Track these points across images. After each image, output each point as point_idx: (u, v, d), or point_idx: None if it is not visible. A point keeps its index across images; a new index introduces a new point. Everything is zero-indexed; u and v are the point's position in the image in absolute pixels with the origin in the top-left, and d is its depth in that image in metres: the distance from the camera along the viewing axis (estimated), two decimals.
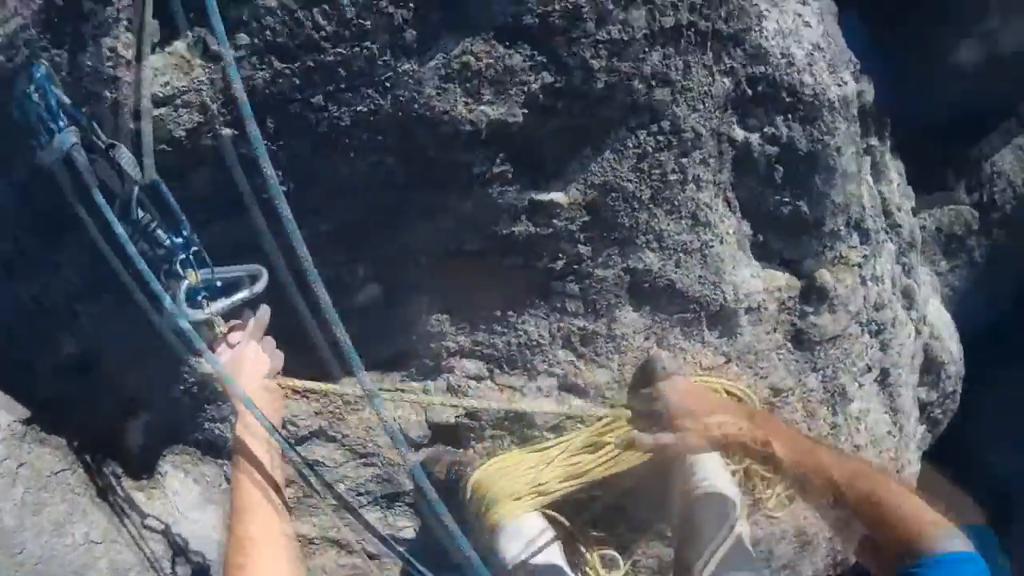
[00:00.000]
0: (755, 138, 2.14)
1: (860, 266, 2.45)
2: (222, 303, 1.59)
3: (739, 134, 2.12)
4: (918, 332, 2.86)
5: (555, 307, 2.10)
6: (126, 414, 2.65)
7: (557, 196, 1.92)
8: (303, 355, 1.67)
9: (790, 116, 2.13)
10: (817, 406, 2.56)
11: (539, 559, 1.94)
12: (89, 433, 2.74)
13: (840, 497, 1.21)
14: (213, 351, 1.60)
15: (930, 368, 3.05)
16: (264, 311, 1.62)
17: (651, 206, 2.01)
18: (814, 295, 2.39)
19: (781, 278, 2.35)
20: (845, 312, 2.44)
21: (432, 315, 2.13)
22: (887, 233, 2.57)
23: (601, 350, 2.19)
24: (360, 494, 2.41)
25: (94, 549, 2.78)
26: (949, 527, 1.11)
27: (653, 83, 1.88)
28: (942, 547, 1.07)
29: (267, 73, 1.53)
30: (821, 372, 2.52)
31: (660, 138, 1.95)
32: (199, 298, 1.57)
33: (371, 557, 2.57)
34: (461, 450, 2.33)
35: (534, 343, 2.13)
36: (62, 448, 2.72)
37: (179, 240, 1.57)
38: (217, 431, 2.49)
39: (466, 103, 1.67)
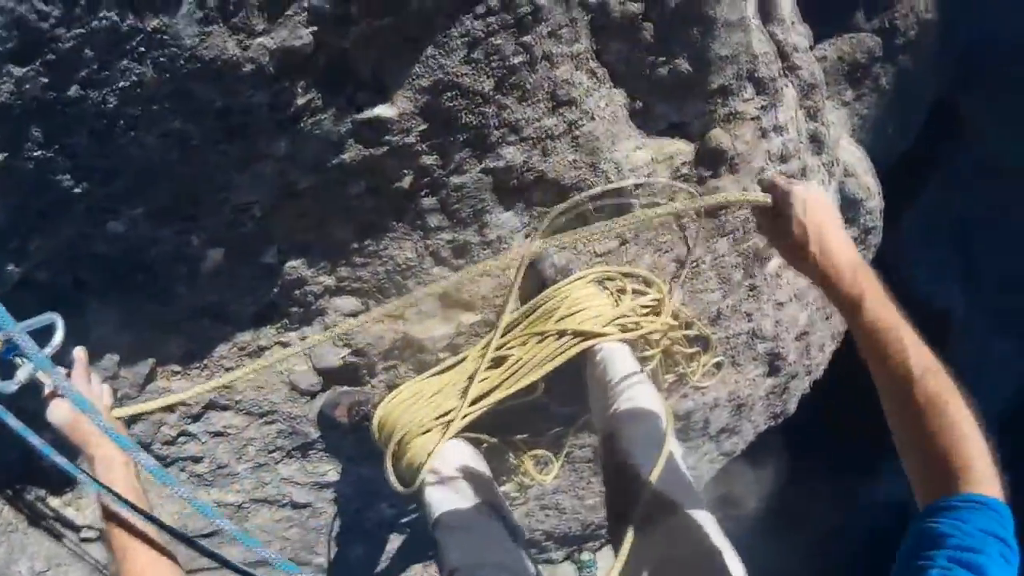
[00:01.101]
0: None
1: (759, 119, 2.21)
2: (30, 369, 1.36)
3: None
4: (831, 175, 2.64)
5: (415, 225, 1.89)
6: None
7: (383, 110, 1.66)
8: None
9: None
10: (731, 271, 2.38)
11: (472, 503, 1.83)
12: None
13: (907, 383, 1.04)
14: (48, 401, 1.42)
15: (848, 207, 2.85)
16: (81, 351, 1.45)
17: (498, 96, 1.74)
18: (709, 157, 2.17)
19: (671, 145, 2.13)
20: (748, 169, 2.23)
21: (286, 263, 1.91)
22: (785, 78, 2.30)
23: (478, 257, 1.98)
24: (272, 451, 2.27)
25: None
26: (996, 473, 0.95)
27: None
28: (989, 491, 0.91)
29: (10, 84, 1.24)
30: (731, 235, 2.33)
31: (490, 19, 1.65)
32: (11, 357, 1.34)
33: (301, 507, 2.47)
34: (358, 388, 2.16)
35: (403, 266, 1.93)
36: None
37: None
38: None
39: (238, 41, 1.37)
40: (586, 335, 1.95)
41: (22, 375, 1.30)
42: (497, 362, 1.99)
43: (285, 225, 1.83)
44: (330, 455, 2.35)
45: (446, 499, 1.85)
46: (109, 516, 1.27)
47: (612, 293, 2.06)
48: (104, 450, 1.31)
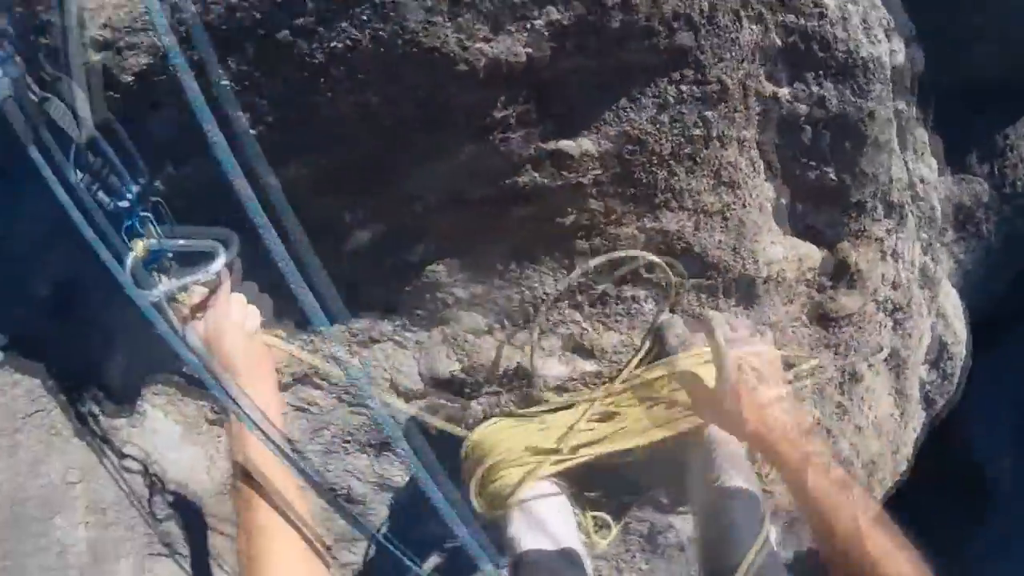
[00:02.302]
0: (784, 93, 1.95)
1: (882, 241, 2.25)
2: (174, 283, 1.37)
3: (767, 88, 1.93)
4: (930, 312, 2.67)
5: (563, 264, 1.92)
6: (104, 352, 2.50)
7: (567, 146, 1.72)
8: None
9: (822, 73, 1.94)
10: (826, 384, 2.39)
11: (557, 549, 1.80)
12: (65, 372, 2.61)
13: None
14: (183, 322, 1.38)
15: (934, 349, 2.86)
16: (228, 270, 1.41)
17: (671, 162, 1.81)
18: (836, 269, 2.24)
19: (803, 247, 2.18)
20: (864, 289, 2.27)
21: (429, 264, 1.95)
22: (909, 207, 2.36)
23: (611, 311, 2.01)
24: (346, 441, 2.26)
25: (72, 488, 2.68)
26: None
27: (675, 25, 1.65)
28: None
29: (222, 7, 1.32)
30: (834, 349, 2.35)
31: (683, 87, 1.73)
32: (152, 267, 1.36)
33: (355, 501, 2.44)
34: (458, 404, 2.16)
35: (538, 299, 1.96)
36: (36, 388, 2.61)
37: (135, 190, 1.36)
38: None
39: (459, 39, 1.45)
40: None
41: (165, 286, 1.32)
42: (605, 416, 2.00)
43: (441, 228, 1.88)
44: (403, 461, 2.33)
45: (532, 538, 1.84)
46: (247, 478, 1.14)
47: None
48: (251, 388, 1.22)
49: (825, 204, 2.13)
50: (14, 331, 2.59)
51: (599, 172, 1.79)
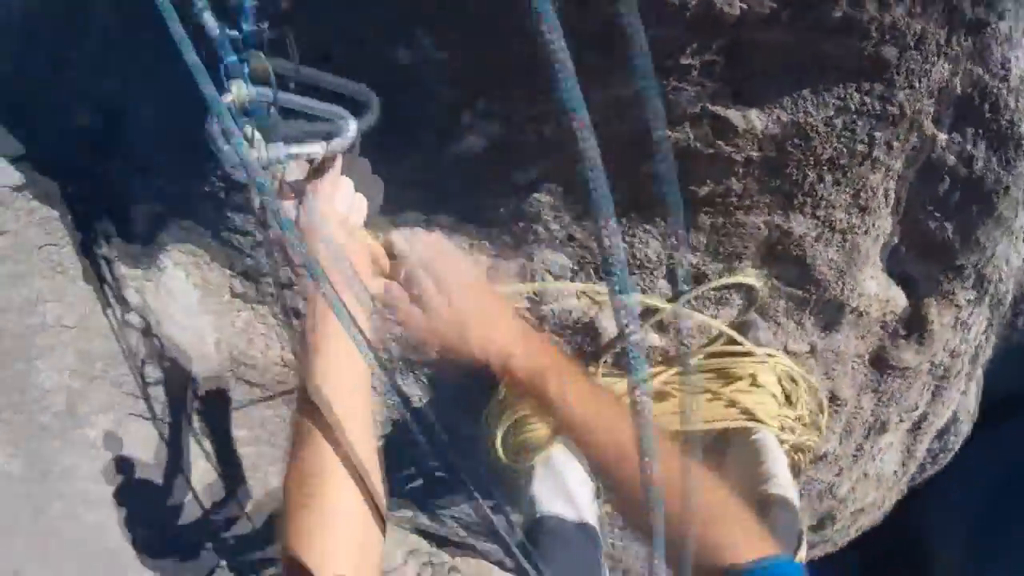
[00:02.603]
0: (942, 139, 1.86)
1: (960, 309, 2.22)
2: (283, 149, 1.04)
3: (929, 128, 1.83)
4: (964, 386, 2.67)
5: (668, 232, 1.84)
6: (136, 196, 2.32)
7: (735, 116, 1.63)
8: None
9: (980, 132, 1.86)
10: (858, 426, 2.37)
11: (577, 520, 1.77)
12: (88, 208, 2.42)
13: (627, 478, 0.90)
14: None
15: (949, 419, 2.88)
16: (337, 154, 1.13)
17: (825, 168, 1.73)
18: (913, 321, 2.19)
19: (894, 291, 2.13)
20: (928, 349, 2.25)
21: (536, 192, 1.82)
22: (993, 285, 2.33)
23: (705, 294, 1.92)
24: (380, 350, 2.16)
25: (64, 333, 2.52)
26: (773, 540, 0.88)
27: (886, 37, 1.55)
28: (772, 554, 0.84)
29: None
30: (879, 396, 2.33)
31: (867, 100, 1.63)
32: (247, 120, 1.01)
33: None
34: None
35: (637, 261, 1.84)
36: (53, 220, 2.42)
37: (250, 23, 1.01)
38: (236, 242, 2.22)
39: None
40: (754, 417, 1.90)
41: (274, 150, 1.04)
42: (659, 396, 1.93)
43: (561, 158, 1.75)
44: (425, 383, 2.26)
45: (553, 503, 1.81)
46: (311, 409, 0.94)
47: (784, 389, 2.02)
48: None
49: (930, 257, 2.08)
50: (45, 154, 2.37)
51: (754, 153, 1.69)
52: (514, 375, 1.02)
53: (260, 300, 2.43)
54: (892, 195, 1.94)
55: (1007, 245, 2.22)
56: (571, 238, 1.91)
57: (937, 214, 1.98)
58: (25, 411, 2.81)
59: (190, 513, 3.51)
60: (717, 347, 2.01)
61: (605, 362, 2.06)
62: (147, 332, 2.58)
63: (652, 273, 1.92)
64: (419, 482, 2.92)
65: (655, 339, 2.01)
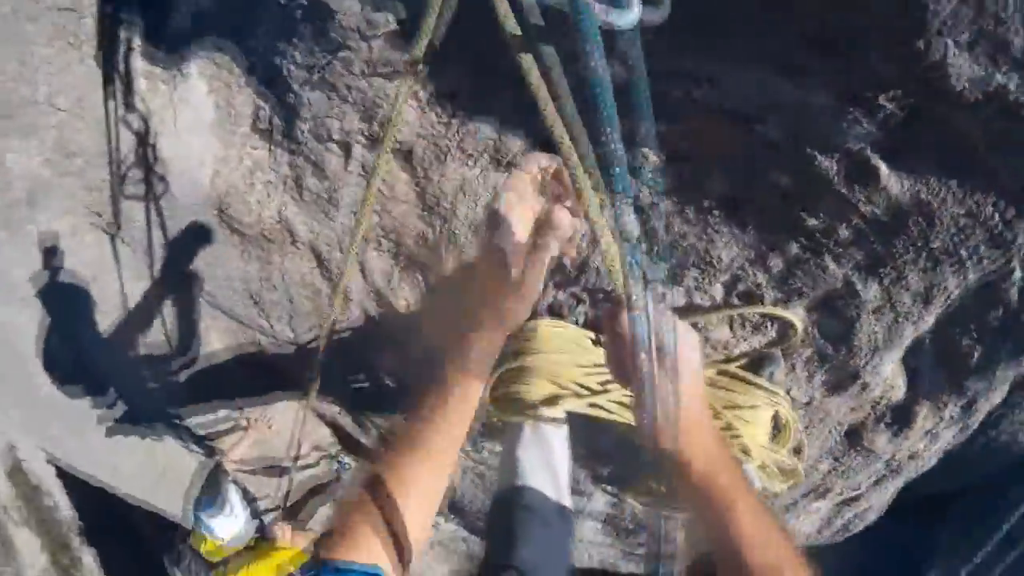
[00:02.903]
0: (1018, 276, 1.84)
1: (942, 419, 2.30)
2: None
3: (1016, 265, 1.81)
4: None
5: (769, 247, 1.82)
6: None
7: (882, 169, 1.60)
8: None
9: None
10: (806, 485, 2.43)
11: (554, 494, 1.77)
12: None
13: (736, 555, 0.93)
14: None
15: None
16: (539, 157, 1.04)
17: (926, 253, 1.75)
18: (902, 413, 2.24)
19: (900, 380, 2.17)
20: (899, 443, 2.33)
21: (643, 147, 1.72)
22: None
23: (751, 319, 1.88)
24: None
25: (52, 115, 2.30)
26: None
27: None
28: None
29: None
30: (836, 465, 2.40)
31: (995, 217, 1.64)
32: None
33: None
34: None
35: (706, 257, 1.79)
36: None
37: None
38: (289, 69, 2.02)
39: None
40: (745, 448, 1.92)
41: None
42: None
43: (695, 129, 1.68)
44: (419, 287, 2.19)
45: (538, 474, 1.78)
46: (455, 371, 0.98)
47: (776, 430, 2.05)
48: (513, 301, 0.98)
49: (947, 366, 2.13)
50: None
51: (878, 211, 1.66)
52: (687, 477, 0.97)
53: (282, 144, 2.24)
54: (953, 300, 1.96)
55: (1004, 388, 2.31)
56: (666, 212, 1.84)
57: (975, 334, 2.01)
58: None
59: (111, 345, 3.33)
60: (731, 368, 2.00)
61: None
62: (143, 140, 2.34)
63: (713, 275, 1.88)
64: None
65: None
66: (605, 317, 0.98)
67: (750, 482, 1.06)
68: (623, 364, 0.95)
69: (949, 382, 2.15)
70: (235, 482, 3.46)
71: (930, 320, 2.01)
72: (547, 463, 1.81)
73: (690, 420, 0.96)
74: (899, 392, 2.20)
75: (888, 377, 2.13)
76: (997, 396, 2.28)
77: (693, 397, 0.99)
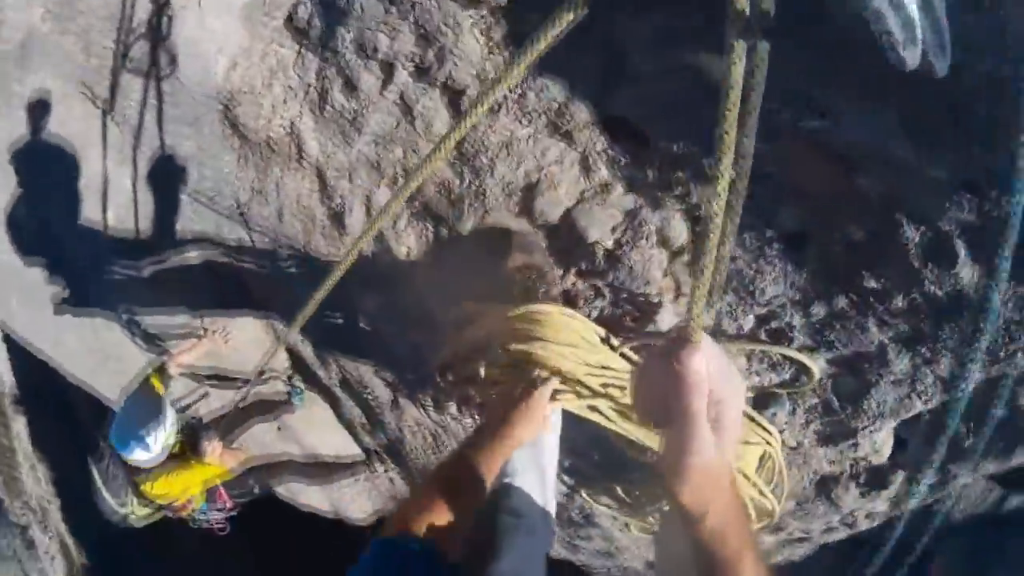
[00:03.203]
0: None
1: (911, 496, 2.29)
2: None
3: None
4: None
5: (809, 296, 1.75)
6: None
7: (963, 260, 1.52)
8: None
9: None
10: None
11: (541, 499, 1.74)
12: None
13: None
14: None
15: None
16: None
17: (970, 343, 1.65)
18: (878, 477, 2.24)
19: (886, 448, 2.16)
20: (866, 503, 2.35)
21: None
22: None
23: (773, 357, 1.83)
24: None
25: None
26: None
27: None
28: None
29: None
30: (799, 509, 2.43)
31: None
32: None
33: None
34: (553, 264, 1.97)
35: (747, 286, 1.76)
36: None
37: None
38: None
39: None
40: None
41: None
42: None
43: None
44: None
45: (528, 475, 1.75)
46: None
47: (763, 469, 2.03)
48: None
49: (934, 444, 2.10)
50: None
51: (939, 291, 1.61)
52: (700, 525, 0.93)
53: (316, 49, 2.04)
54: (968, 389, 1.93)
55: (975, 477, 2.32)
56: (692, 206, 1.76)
57: (973, 424, 1.99)
58: None
59: (80, 224, 3.13)
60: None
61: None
62: (160, 9, 2.12)
63: (750, 306, 1.80)
64: None
65: None
66: (664, 353, 0.87)
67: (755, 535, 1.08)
68: (665, 403, 0.88)
69: (934, 456, 2.15)
70: (171, 403, 3.29)
71: (937, 401, 1.98)
72: (537, 463, 1.75)
73: (721, 470, 0.91)
74: (882, 457, 2.19)
75: (877, 441, 2.11)
76: (967, 481, 2.30)
77: (729, 447, 0.93)
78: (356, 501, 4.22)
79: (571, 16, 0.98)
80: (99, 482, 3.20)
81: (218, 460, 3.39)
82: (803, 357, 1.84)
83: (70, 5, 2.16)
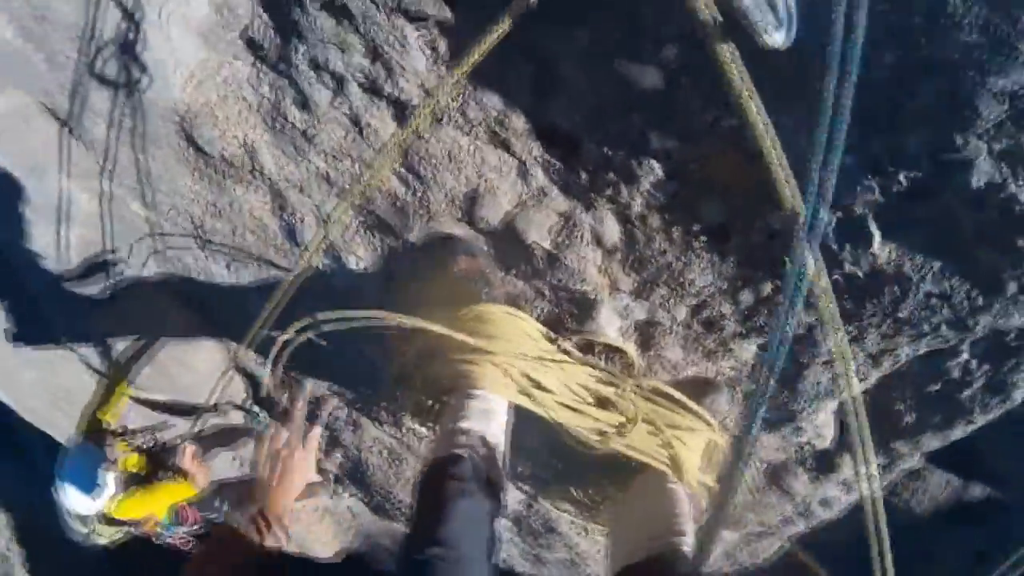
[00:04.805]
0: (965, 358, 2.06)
1: (859, 477, 2.46)
2: None
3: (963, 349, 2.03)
4: None
5: (736, 284, 1.96)
6: None
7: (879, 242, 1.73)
8: None
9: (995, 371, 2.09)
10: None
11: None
12: None
13: None
14: None
15: None
16: None
17: (892, 318, 1.90)
18: (825, 462, 2.44)
19: (831, 431, 2.36)
20: (817, 490, 2.50)
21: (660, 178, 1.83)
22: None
23: (708, 344, 2.04)
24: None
25: None
26: None
27: None
28: None
29: None
30: (750, 500, 2.59)
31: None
32: None
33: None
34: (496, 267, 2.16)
35: (677, 278, 1.96)
36: None
37: None
38: None
39: None
40: (678, 468, 2.06)
41: None
42: (602, 401, 2.08)
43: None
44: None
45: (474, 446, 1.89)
46: None
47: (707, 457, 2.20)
48: None
49: (878, 423, 2.27)
50: None
51: (858, 270, 1.83)
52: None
53: (270, 62, 2.20)
54: (899, 364, 2.11)
55: (921, 455, 2.50)
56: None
57: (910, 401, 2.21)
58: None
59: (35, 245, 3.22)
60: (674, 392, 2.12)
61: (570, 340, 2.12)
62: (129, 17, 2.24)
63: (681, 297, 2.02)
64: None
65: (631, 349, 2.11)
66: None
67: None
68: None
69: (877, 441, 2.32)
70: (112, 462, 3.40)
71: (873, 379, 2.17)
72: (485, 435, 1.90)
73: None
74: (826, 441, 2.37)
75: (819, 425, 2.28)
76: (916, 462, 2.47)
77: None
78: (321, 539, 4.31)
79: (500, 30, 1.17)
80: (60, 501, 3.27)
81: (191, 464, 3.51)
82: (617, 342, 2.08)
83: (37, 17, 2.27)
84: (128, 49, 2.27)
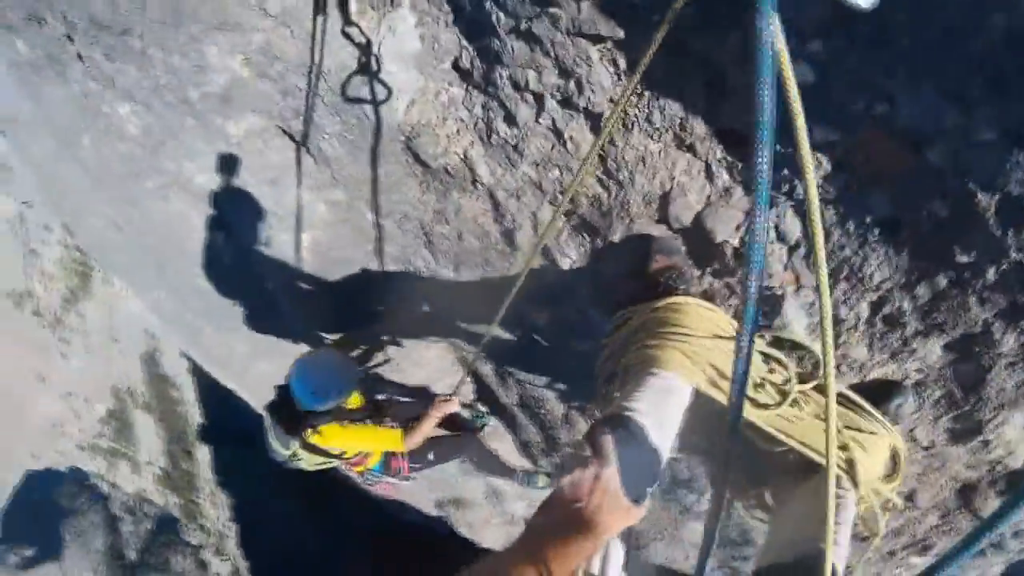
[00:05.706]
0: None
1: None
2: None
3: None
4: None
5: (912, 277, 2.05)
6: None
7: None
8: None
9: None
10: (907, 535, 2.67)
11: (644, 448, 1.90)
12: None
13: None
14: None
15: None
16: None
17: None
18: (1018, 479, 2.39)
19: (1021, 449, 2.31)
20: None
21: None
22: None
23: (891, 342, 2.16)
24: None
25: (260, 18, 2.69)
26: None
27: None
28: None
29: None
30: (943, 522, 2.62)
31: None
32: None
33: None
34: (691, 264, 2.36)
35: (856, 272, 2.11)
36: None
37: None
38: (498, 16, 2.33)
39: None
40: (854, 475, 2.12)
41: None
42: (786, 395, 2.13)
43: None
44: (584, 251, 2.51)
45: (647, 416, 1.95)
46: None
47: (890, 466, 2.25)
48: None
49: None
50: None
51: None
52: None
53: (479, 86, 2.60)
54: None
55: None
56: None
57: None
58: (179, 77, 2.97)
59: (274, 251, 3.74)
60: (855, 396, 2.19)
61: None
62: (366, 49, 2.69)
63: (862, 293, 2.15)
64: None
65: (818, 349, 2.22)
66: None
67: None
68: None
69: None
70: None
71: None
72: (660, 417, 1.95)
73: None
74: (1018, 459, 2.32)
75: (1011, 439, 2.27)
76: None
77: None
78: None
79: (659, 36, 1.40)
80: (267, 424, 3.54)
81: (442, 409, 3.69)
82: (805, 340, 2.16)
83: (267, 52, 2.79)
84: (353, 80, 2.76)
